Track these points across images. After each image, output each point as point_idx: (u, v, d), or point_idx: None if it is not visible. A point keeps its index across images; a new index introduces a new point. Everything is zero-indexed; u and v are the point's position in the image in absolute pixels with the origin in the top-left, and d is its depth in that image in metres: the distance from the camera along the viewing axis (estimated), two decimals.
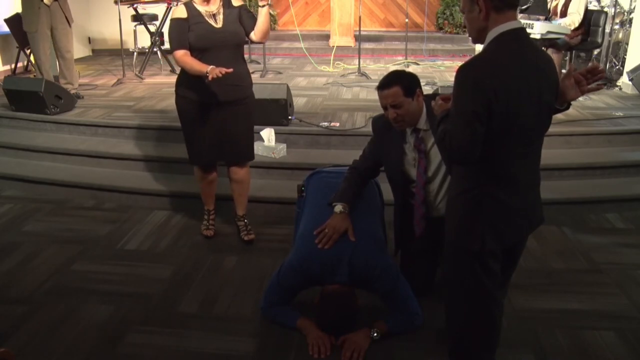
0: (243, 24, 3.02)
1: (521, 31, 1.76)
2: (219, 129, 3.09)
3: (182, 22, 2.94)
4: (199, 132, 3.11)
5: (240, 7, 3.06)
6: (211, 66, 2.79)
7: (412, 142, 2.58)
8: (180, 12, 2.95)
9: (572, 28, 5.38)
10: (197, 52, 2.94)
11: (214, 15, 2.97)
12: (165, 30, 7.06)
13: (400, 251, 2.83)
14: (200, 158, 3.23)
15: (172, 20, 2.98)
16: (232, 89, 3.01)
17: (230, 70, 2.77)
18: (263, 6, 2.95)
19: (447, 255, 1.97)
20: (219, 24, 2.97)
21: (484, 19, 1.74)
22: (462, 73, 1.71)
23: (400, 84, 2.46)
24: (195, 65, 2.87)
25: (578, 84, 1.82)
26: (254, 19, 3.03)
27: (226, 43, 2.97)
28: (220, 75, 2.72)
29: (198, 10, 2.96)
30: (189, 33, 2.93)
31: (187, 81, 3.02)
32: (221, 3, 3.01)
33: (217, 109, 3.05)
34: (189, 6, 2.97)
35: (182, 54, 2.92)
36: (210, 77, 2.75)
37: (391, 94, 2.46)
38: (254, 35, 3.03)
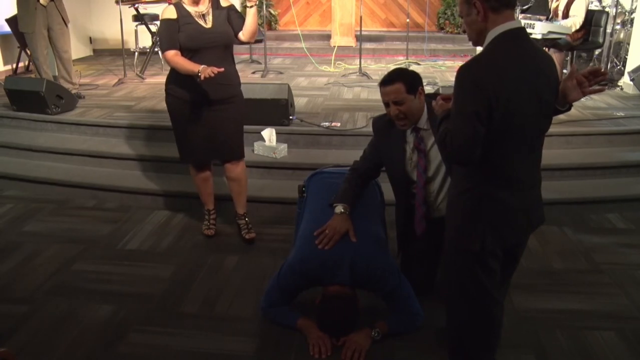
0: (232, 24, 3.05)
1: (520, 31, 1.76)
2: (207, 127, 3.13)
3: (172, 23, 2.96)
4: (189, 131, 3.16)
5: (228, 7, 3.09)
6: (202, 66, 2.82)
7: (412, 141, 2.58)
8: (169, 12, 2.98)
9: (574, 30, 5.37)
10: (187, 53, 2.97)
11: (203, 16, 3.00)
12: None
13: (401, 251, 2.83)
14: (191, 156, 3.27)
15: (162, 21, 3.02)
16: (221, 88, 3.05)
17: (222, 69, 2.81)
18: (251, 7, 2.97)
19: (447, 256, 1.97)
20: (209, 25, 3.00)
21: (482, 21, 1.74)
22: (462, 73, 1.71)
23: (403, 80, 2.46)
24: (187, 65, 2.90)
25: (580, 85, 1.81)
26: (242, 19, 3.05)
27: (216, 43, 3.00)
28: (212, 75, 2.75)
29: (187, 11, 2.99)
30: (179, 33, 2.96)
31: (176, 80, 3.05)
32: (210, 4, 3.04)
33: (206, 107, 3.09)
34: (179, 7, 2.99)
35: (172, 54, 2.95)
36: (202, 77, 2.78)
37: (393, 90, 2.46)
38: (242, 35, 3.05)
